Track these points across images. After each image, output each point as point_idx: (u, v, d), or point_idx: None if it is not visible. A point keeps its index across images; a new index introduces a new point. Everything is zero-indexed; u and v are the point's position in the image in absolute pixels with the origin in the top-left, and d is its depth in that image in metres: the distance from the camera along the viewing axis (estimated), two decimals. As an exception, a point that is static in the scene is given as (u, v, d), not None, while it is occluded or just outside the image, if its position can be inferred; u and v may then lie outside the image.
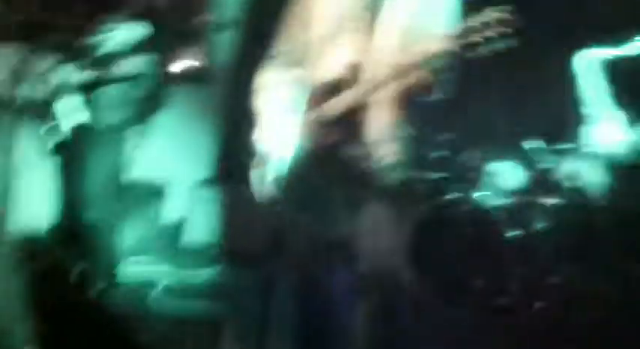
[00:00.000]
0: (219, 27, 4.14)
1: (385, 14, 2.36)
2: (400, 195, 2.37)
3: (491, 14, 1.91)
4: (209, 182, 4.14)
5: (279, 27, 2.65)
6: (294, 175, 2.37)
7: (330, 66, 2.39)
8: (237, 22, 4.06)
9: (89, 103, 3.33)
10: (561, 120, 3.72)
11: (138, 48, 3.38)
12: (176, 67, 4.16)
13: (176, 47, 4.16)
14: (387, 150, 2.36)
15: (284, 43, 2.60)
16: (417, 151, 2.50)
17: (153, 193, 4.06)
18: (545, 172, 3.67)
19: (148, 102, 3.51)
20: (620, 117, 3.01)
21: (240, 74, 3.66)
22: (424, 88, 2.25)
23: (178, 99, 4.03)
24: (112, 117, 3.38)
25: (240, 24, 4.07)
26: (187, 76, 4.17)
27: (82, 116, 3.32)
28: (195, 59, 4.22)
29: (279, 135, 2.28)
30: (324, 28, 2.42)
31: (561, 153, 3.64)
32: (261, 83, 2.62)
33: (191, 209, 4.20)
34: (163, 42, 3.56)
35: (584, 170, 3.46)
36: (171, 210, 4.12)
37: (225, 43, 4.13)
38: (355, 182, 2.36)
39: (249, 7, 4.09)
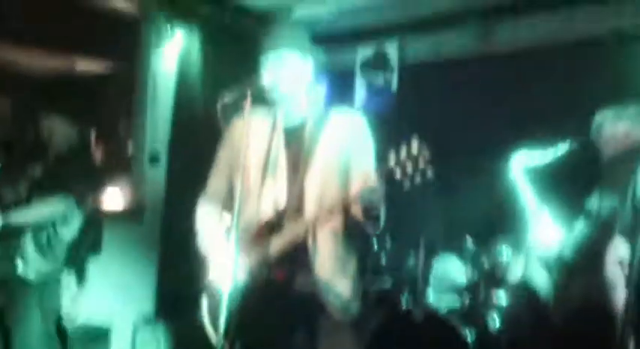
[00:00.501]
0: (152, 160, 4.18)
1: (316, 152, 2.46)
2: (354, 323, 2.40)
3: (411, 149, 2.04)
4: (154, 320, 4.03)
5: (209, 164, 2.71)
6: (243, 312, 2.34)
7: (265, 207, 2.46)
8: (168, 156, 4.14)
9: (15, 252, 3.23)
10: (499, 219, 3.86)
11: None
12: (109, 204, 4.14)
13: (107, 184, 4.16)
14: (337, 281, 2.41)
15: (215, 184, 2.66)
16: (365, 264, 2.56)
17: (97, 336, 3.89)
18: (491, 270, 3.73)
19: (81, 244, 3.43)
20: (554, 216, 3.14)
21: (173, 209, 3.68)
22: (362, 220, 2.31)
23: (114, 238, 3.97)
24: (42, 264, 3.27)
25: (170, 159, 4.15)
26: (121, 213, 4.13)
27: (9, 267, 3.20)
28: (129, 196, 4.21)
29: (223, 272, 2.26)
30: (254, 169, 2.50)
31: (503, 250, 3.74)
32: (198, 220, 2.64)
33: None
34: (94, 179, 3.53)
35: (528, 267, 3.54)
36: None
37: (158, 178, 4.17)
38: (309, 315, 2.38)
39: (177, 143, 4.20)
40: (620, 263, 2.04)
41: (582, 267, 2.73)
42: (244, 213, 2.45)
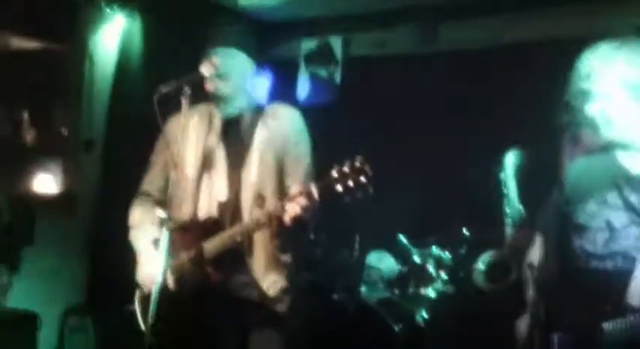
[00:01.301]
0: (87, 146, 4.07)
1: (253, 148, 2.46)
2: (287, 317, 2.43)
3: (351, 164, 2.09)
4: (83, 309, 3.96)
5: (146, 153, 2.67)
6: (174, 307, 2.33)
7: (202, 205, 2.44)
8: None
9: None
10: (432, 216, 3.96)
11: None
12: (40, 195, 4.02)
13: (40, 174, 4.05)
14: (271, 277, 2.42)
15: (151, 180, 2.62)
16: (299, 259, 2.59)
17: (25, 323, 3.79)
18: (422, 266, 3.82)
19: (11, 236, 3.33)
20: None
21: (108, 197, 3.60)
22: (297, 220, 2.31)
23: (45, 226, 3.87)
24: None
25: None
26: (52, 205, 4.01)
27: None
28: (61, 183, 4.09)
29: (156, 270, 2.24)
30: (191, 166, 2.47)
31: (434, 247, 3.83)
32: (132, 219, 2.60)
33: (64, 340, 3.97)
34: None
35: (463, 260, 3.64)
36: (44, 342, 3.84)
37: (92, 165, 4.07)
38: (243, 313, 2.39)
39: (114, 129, 4.10)
40: (530, 265, 2.08)
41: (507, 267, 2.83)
42: (182, 210, 2.44)
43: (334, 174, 2.11)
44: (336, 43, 4.95)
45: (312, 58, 5.07)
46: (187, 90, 2.27)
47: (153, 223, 2.50)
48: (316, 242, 4.06)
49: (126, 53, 4.22)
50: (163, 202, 2.43)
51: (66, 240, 4.02)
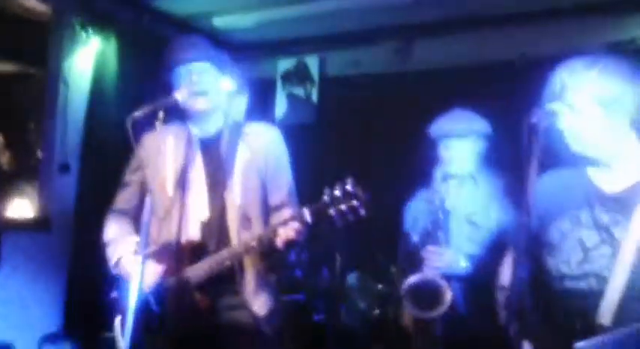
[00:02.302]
0: (62, 169, 4.02)
1: (235, 166, 2.44)
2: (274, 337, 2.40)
3: (342, 188, 2.09)
4: (60, 336, 3.88)
5: (122, 175, 2.64)
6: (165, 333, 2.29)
7: (183, 226, 2.40)
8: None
9: None
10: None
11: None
12: (14, 214, 3.95)
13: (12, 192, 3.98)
14: (259, 297, 2.40)
15: (126, 198, 2.58)
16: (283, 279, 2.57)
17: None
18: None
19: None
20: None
21: (84, 220, 3.55)
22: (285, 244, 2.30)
23: (19, 250, 3.80)
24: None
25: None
26: (27, 229, 3.95)
27: None
28: (36, 206, 4.03)
29: (132, 290, 2.20)
30: (169, 186, 2.44)
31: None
32: (107, 235, 2.56)
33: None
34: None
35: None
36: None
37: (68, 187, 4.01)
38: (233, 335, 2.36)
39: (89, 151, 4.05)
40: (501, 287, 2.08)
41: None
42: (163, 232, 2.40)
43: (326, 198, 2.11)
44: (313, 62, 4.98)
45: (288, 78, 5.09)
46: (161, 114, 2.26)
47: (131, 234, 2.46)
48: (298, 262, 4.04)
49: (100, 76, 4.19)
50: (138, 221, 2.40)
51: (41, 265, 3.94)
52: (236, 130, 2.52)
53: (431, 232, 2.85)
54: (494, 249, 2.69)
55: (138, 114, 2.23)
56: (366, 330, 3.76)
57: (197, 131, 2.52)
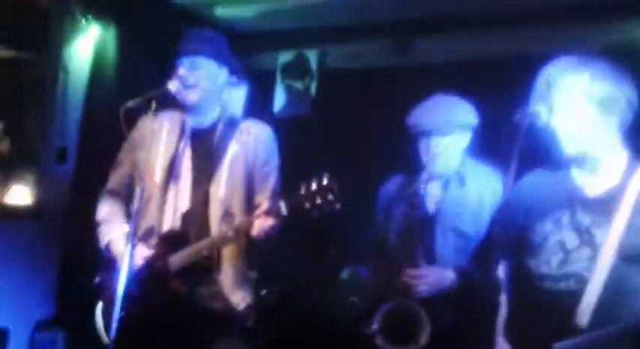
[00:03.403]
0: (60, 158, 4.03)
1: (223, 160, 2.46)
2: (250, 331, 2.43)
3: (318, 182, 2.14)
4: (53, 323, 3.90)
5: (113, 161, 2.66)
6: (138, 319, 2.32)
7: (167, 215, 2.43)
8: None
9: None
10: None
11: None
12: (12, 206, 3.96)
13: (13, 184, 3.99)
14: (237, 291, 2.44)
15: (117, 178, 2.61)
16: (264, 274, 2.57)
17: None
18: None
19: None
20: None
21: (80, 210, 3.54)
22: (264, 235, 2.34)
23: (14, 237, 3.82)
24: None
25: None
26: (22, 213, 3.96)
27: None
28: (32, 194, 4.03)
29: (125, 276, 2.22)
30: (158, 172, 2.47)
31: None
32: (99, 214, 2.59)
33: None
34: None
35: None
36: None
37: (65, 176, 4.02)
38: (209, 324, 2.39)
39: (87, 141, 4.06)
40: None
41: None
42: (147, 219, 2.43)
43: (302, 191, 2.16)
44: (312, 55, 4.98)
45: (288, 70, 5.09)
46: (154, 104, 2.28)
47: (122, 217, 2.49)
48: (290, 256, 4.05)
49: (100, 64, 4.20)
50: (128, 203, 2.43)
51: (35, 252, 3.96)
52: (231, 125, 2.54)
53: (407, 247, 2.58)
54: (487, 259, 2.33)
55: (131, 104, 2.26)
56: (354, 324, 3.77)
57: (192, 121, 2.53)
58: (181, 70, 2.42)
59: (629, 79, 1.93)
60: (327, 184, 2.13)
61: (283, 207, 2.22)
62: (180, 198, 2.45)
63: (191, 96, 2.45)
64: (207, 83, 2.47)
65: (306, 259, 4.09)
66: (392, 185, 2.89)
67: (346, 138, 4.65)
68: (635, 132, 1.98)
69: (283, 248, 2.64)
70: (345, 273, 4.12)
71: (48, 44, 4.19)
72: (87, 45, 4.19)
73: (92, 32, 4.17)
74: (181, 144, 2.51)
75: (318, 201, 2.13)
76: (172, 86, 2.38)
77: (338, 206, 2.13)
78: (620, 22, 3.82)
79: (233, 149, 2.49)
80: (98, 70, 4.19)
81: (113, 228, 2.51)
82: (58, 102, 4.08)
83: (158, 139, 2.51)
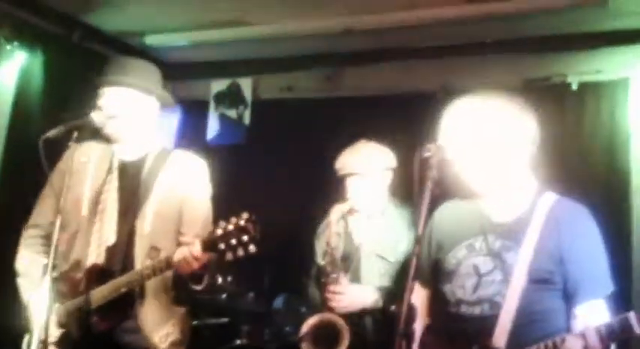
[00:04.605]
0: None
1: (151, 194, 2.42)
2: None
3: (235, 222, 2.08)
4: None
5: (36, 192, 2.58)
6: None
7: (91, 249, 2.37)
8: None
9: None
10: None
11: None
12: None
13: None
14: (164, 332, 2.38)
15: (41, 211, 2.53)
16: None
17: None
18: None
19: None
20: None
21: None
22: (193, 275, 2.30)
23: None
24: None
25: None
26: None
27: None
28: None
29: (39, 315, 2.14)
30: (83, 206, 2.41)
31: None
32: (19, 264, 2.50)
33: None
34: None
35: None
36: None
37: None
38: None
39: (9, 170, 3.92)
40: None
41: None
42: (73, 251, 2.36)
43: (219, 231, 2.10)
44: (246, 84, 5.00)
45: (221, 99, 5.09)
46: (75, 134, 2.23)
47: (39, 271, 2.39)
48: (223, 286, 4.01)
49: (24, 91, 4.08)
50: (51, 236, 2.35)
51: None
52: (161, 157, 2.49)
53: (334, 269, 2.88)
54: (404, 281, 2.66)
55: (52, 134, 2.20)
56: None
57: (120, 153, 2.49)
58: (104, 100, 2.38)
59: (531, 115, 2.06)
60: (244, 225, 2.06)
61: (198, 247, 2.14)
62: (106, 232, 2.38)
63: (113, 127, 2.40)
64: (130, 113, 2.42)
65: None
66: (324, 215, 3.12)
67: (278, 166, 4.67)
68: (541, 163, 2.11)
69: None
70: (277, 301, 4.10)
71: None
72: (11, 71, 4.07)
73: (17, 58, 4.06)
74: (109, 177, 2.45)
75: (233, 241, 2.06)
76: (95, 116, 2.33)
77: (252, 249, 2.06)
78: (546, 58, 4.02)
79: (161, 182, 2.44)
80: (22, 97, 4.07)
81: (32, 284, 2.41)
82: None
83: (85, 171, 2.44)
